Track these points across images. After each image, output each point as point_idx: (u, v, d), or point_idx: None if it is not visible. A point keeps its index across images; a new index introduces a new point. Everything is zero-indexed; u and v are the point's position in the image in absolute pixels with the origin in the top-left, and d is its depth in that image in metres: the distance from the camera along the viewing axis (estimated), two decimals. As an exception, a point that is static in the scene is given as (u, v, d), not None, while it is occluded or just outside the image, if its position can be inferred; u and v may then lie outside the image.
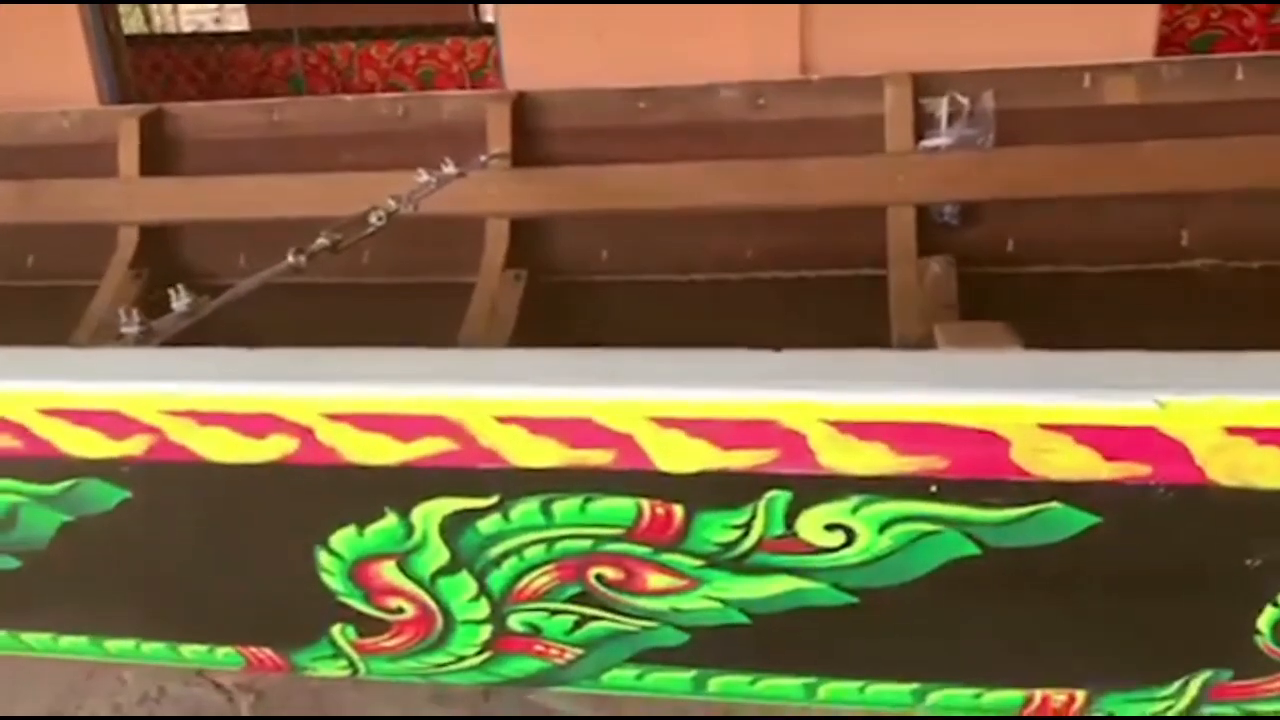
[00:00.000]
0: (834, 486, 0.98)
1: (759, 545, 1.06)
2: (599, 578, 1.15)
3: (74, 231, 3.46)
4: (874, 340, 2.87)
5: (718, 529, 1.05)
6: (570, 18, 4.81)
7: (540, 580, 1.16)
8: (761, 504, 1.01)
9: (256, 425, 1.04)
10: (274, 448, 1.05)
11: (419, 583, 1.19)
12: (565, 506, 1.07)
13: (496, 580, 1.17)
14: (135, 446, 1.08)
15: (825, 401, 0.92)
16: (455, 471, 1.04)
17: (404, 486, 1.08)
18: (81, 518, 1.20)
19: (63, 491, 1.17)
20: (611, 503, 1.05)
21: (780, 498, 1.00)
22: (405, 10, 7.12)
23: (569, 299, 3.19)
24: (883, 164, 2.89)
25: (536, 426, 0.99)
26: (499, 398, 0.96)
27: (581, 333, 3.09)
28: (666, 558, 1.10)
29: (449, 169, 2.74)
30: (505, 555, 1.14)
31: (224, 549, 1.21)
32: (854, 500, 0.99)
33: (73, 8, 4.96)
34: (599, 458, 1.00)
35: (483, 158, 3.03)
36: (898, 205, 2.87)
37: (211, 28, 12.15)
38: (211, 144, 3.46)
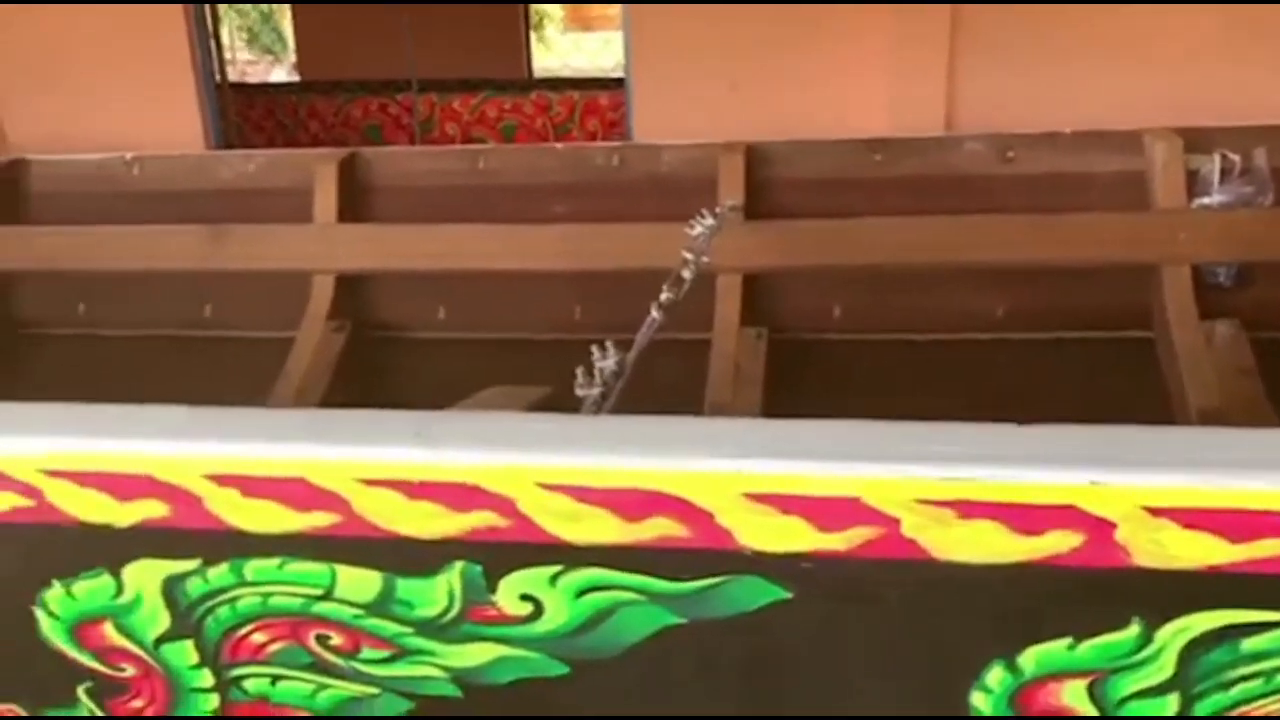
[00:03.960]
0: None
1: None
2: None
3: (256, 280, 3.27)
4: (1147, 406, 2.70)
5: None
6: (704, 70, 4.67)
7: None
8: None
9: (1034, 519, 0.85)
10: (1048, 544, 0.87)
11: None
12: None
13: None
14: (851, 539, 0.89)
15: None
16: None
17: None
18: (695, 621, 1.00)
19: (699, 590, 0.98)
20: None
21: None
22: (461, 65, 6.99)
23: (800, 358, 3.01)
24: (1160, 221, 2.74)
25: None
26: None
27: (823, 395, 2.91)
28: None
29: (708, 219, 2.59)
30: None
31: (882, 662, 1.01)
32: None
33: (185, 56, 4.87)
34: None
35: (718, 209, 2.88)
36: (1174, 265, 2.71)
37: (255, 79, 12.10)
38: (407, 191, 3.30)
